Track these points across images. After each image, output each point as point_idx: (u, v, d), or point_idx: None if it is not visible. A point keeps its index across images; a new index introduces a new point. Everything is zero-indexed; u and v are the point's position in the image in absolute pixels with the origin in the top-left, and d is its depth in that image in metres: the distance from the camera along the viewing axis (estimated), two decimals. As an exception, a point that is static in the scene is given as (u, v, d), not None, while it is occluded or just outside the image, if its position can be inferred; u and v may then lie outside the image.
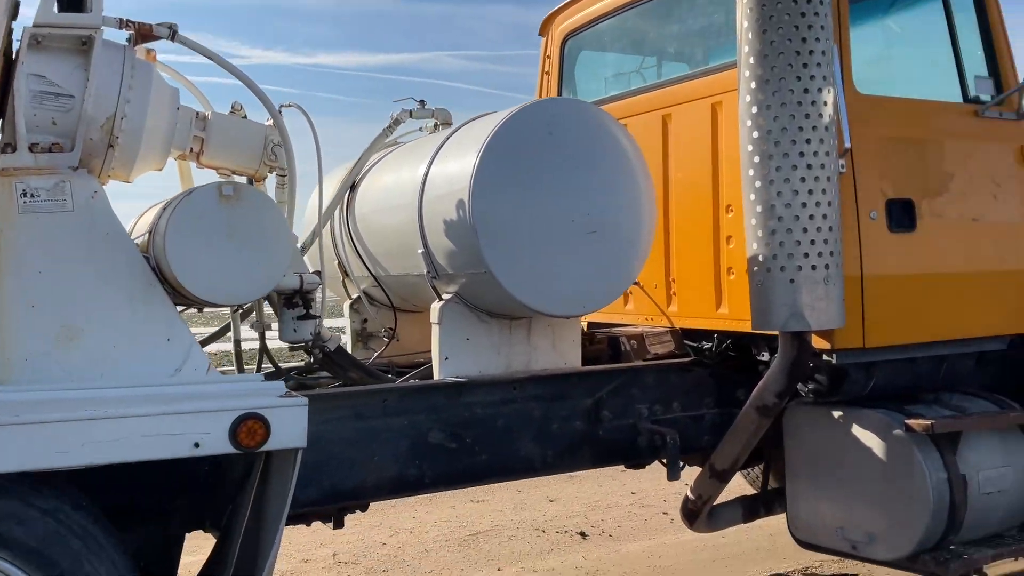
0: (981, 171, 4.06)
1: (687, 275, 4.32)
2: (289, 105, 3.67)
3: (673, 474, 3.80)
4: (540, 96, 5.42)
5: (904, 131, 3.90)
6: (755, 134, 3.45)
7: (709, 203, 4.15)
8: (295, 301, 3.40)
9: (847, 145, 3.62)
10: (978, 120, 4.13)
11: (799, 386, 3.98)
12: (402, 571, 5.55)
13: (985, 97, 4.17)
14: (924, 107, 4.01)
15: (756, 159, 3.45)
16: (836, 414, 3.94)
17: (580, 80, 5.43)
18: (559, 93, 5.31)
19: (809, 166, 3.38)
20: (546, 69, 5.43)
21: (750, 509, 4.41)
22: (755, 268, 3.49)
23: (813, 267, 3.39)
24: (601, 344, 4.26)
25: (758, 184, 3.45)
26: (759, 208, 3.45)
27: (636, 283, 4.56)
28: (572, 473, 6.02)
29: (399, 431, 3.39)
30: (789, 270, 3.40)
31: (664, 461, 3.93)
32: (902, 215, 3.80)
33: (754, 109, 3.44)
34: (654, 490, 7.20)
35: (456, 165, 3.35)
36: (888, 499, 3.75)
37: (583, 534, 6.18)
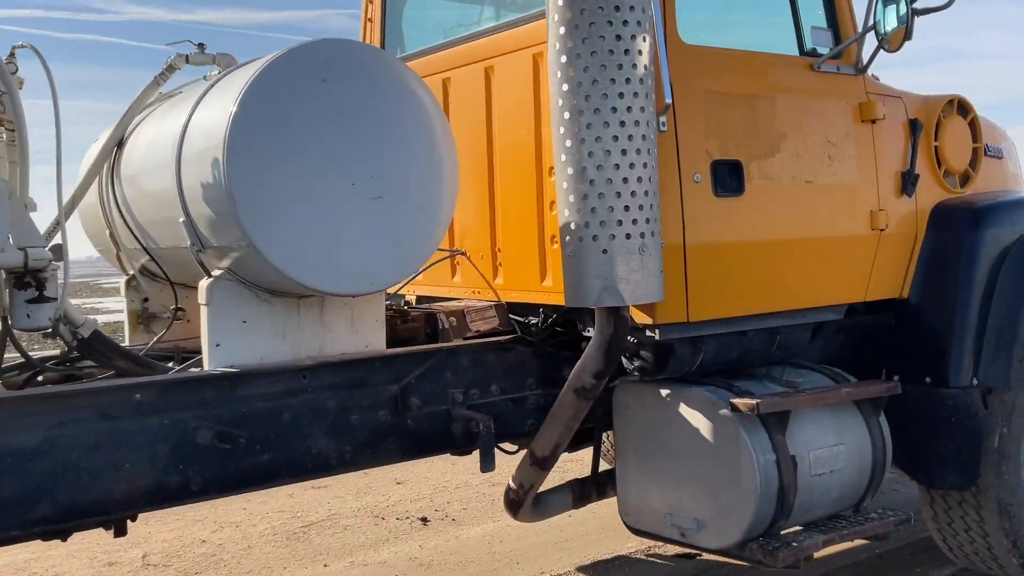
0: (816, 130, 3.81)
1: (512, 245, 3.94)
2: (23, 46, 3.08)
3: (487, 464, 3.44)
4: (363, 48, 4.91)
5: (733, 86, 3.59)
6: (564, 86, 3.07)
7: (532, 165, 3.77)
8: (26, 281, 2.86)
9: (668, 101, 3.28)
10: (814, 75, 3.86)
11: (625, 363, 3.67)
12: (218, 572, 5.06)
13: (822, 50, 3.91)
14: (756, 60, 3.72)
15: (566, 115, 3.07)
16: (663, 392, 3.65)
17: (407, 28, 4.95)
18: (382, 44, 4.82)
19: (623, 123, 3.02)
20: (368, 15, 4.92)
21: (581, 494, 4.11)
22: (567, 237, 3.13)
23: (628, 236, 3.05)
24: (416, 322, 3.84)
25: (568, 143, 3.08)
26: (570, 170, 3.08)
27: (462, 253, 4.17)
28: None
29: (158, 432, 2.90)
30: (602, 239, 3.05)
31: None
32: (729, 178, 3.50)
33: (563, 58, 3.06)
34: (509, 468, 6.89)
35: (213, 118, 2.84)
36: (714, 483, 3.49)
37: (425, 520, 5.81)
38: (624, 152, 3.03)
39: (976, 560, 4.35)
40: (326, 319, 3.28)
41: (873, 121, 3.98)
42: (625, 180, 3.03)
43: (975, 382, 4.01)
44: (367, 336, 3.36)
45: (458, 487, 6.53)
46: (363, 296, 3.27)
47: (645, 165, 3.07)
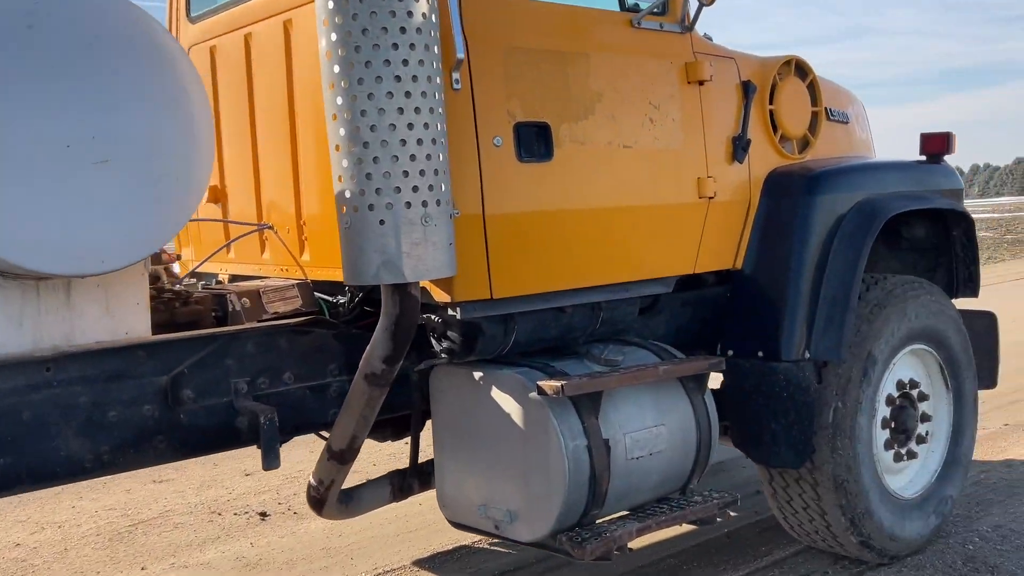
0: (637, 91, 3.55)
1: (317, 217, 3.59)
2: None
3: (269, 462, 3.10)
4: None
5: (541, 41, 3.30)
6: (332, 36, 2.73)
7: (333, 129, 3.42)
8: None
9: (460, 55, 2.98)
10: (635, 32, 3.60)
11: (434, 345, 3.38)
12: (21, 582, 4.62)
13: (644, 5, 3.66)
14: (567, 13, 3.43)
15: (336, 68, 2.74)
16: (476, 375, 3.37)
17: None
18: None
19: (398, 78, 2.71)
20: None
21: (401, 486, 3.81)
22: (343, 208, 2.80)
23: (408, 204, 2.74)
24: (201, 304, 3.48)
25: (340, 101, 2.75)
26: (342, 131, 2.75)
27: (268, 227, 3.80)
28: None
29: None
30: (379, 209, 2.74)
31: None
32: (536, 142, 3.22)
33: (330, 4, 2.72)
34: (368, 453, 6.57)
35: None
36: (525, 472, 3.24)
37: (264, 514, 5.44)
38: (401, 111, 2.71)
39: (817, 539, 4.23)
40: (75, 303, 2.88)
41: (701, 83, 3.75)
42: (403, 142, 2.72)
43: (807, 355, 3.85)
44: (126, 321, 2.98)
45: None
46: (119, 275, 2.89)
47: (427, 126, 2.76)
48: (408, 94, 2.71)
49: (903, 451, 4.31)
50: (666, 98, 3.63)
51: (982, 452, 6.03)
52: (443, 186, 2.82)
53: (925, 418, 4.41)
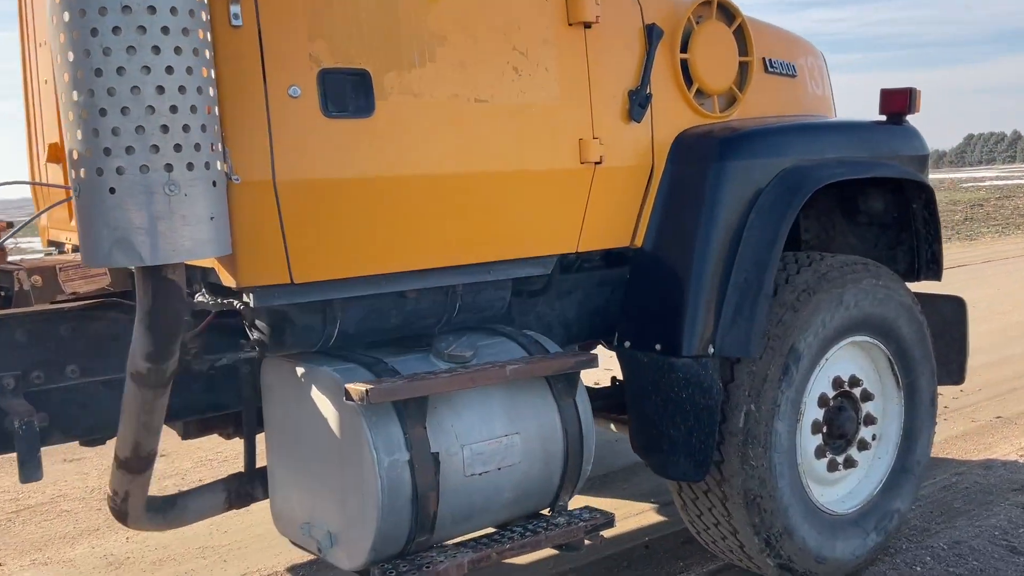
0: (496, 34, 2.95)
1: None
2: None
3: (28, 473, 2.62)
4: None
5: (362, -30, 2.72)
6: (49, -47, 2.19)
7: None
8: None
9: (234, -17, 2.42)
10: (499, -39, 3.01)
11: (253, 335, 2.87)
12: None
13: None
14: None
15: (55, -6, 2.20)
16: (299, 371, 2.86)
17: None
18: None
19: (126, 8, 2.15)
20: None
21: (239, 492, 3.32)
22: (72, 172, 2.27)
23: (144, 168, 2.20)
24: (-20, 283, 2.99)
25: (62, 38, 2.20)
26: (65, 75, 2.21)
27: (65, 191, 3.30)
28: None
29: None
30: (108, 174, 2.20)
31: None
32: (350, 93, 2.64)
33: (45, -85, 2.17)
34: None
35: None
36: (343, 489, 2.74)
37: (156, 503, 5.00)
38: (132, 50, 2.16)
39: (733, 557, 3.68)
40: None
41: (586, 25, 3.15)
42: (136, 90, 2.17)
43: (711, 350, 3.27)
44: None
45: (225, 460, 5.73)
46: None
47: (171, 70, 2.20)
48: (142, 29, 2.16)
49: (840, 459, 3.73)
50: (537, 43, 3.03)
51: (962, 450, 5.41)
52: (201, 146, 2.27)
53: (869, 421, 3.81)
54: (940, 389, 4.15)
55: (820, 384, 3.61)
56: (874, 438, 3.89)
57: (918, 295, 4.30)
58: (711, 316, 3.28)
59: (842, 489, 3.82)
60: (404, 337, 3.07)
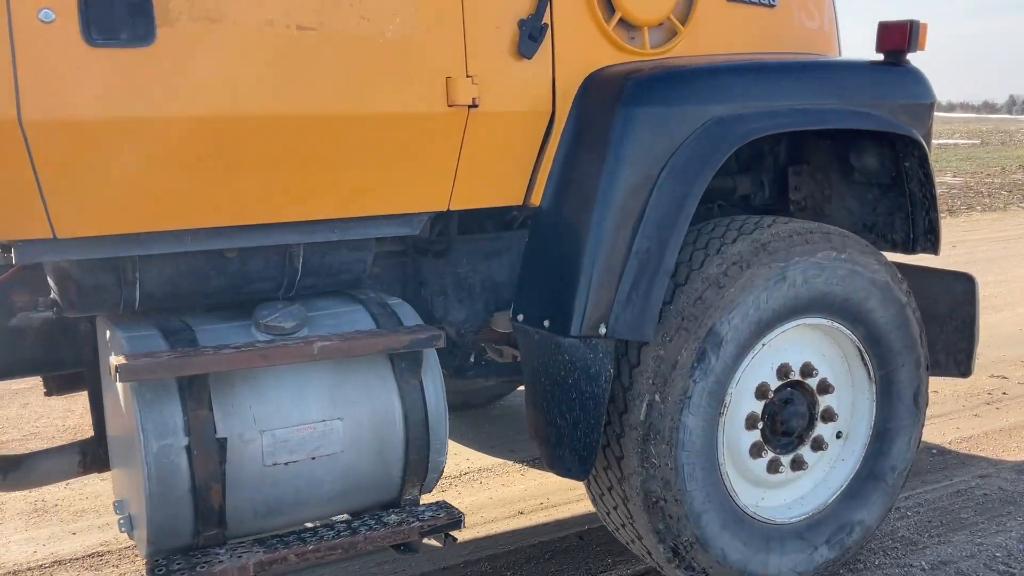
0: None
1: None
2: None
3: None
4: None
5: None
6: None
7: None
8: None
9: None
10: None
11: (53, 296, 2.60)
12: None
13: None
14: None
15: None
16: (107, 333, 2.58)
17: None
18: None
19: None
20: None
21: (94, 457, 3.10)
22: None
23: None
24: None
25: None
26: None
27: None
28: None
29: None
30: None
31: None
32: (121, 16, 2.25)
33: None
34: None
35: None
36: (134, 470, 2.45)
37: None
38: None
39: (649, 562, 3.23)
40: None
41: (459, -67, 2.65)
42: None
43: (603, 330, 2.80)
44: None
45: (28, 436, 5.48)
46: None
47: None
48: None
49: (785, 460, 3.19)
50: (390, -39, 2.57)
51: (1000, 447, 4.70)
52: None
53: (829, 416, 3.25)
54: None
55: (758, 373, 3.07)
56: (839, 436, 3.33)
57: (920, 271, 3.67)
58: (606, 291, 2.79)
59: (789, 494, 3.29)
60: (260, 301, 2.73)
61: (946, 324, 3.63)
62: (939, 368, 3.72)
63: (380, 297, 2.81)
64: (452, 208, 2.81)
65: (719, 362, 2.90)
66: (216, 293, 2.64)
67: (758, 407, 3.10)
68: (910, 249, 3.51)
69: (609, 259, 2.78)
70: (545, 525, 3.89)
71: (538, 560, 3.60)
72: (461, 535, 3.79)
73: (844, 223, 3.65)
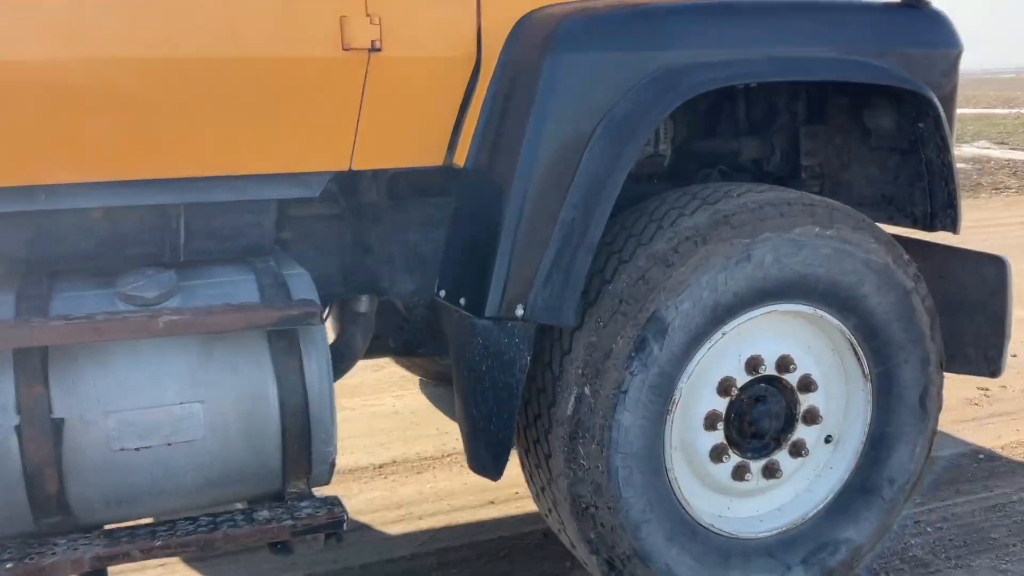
0: None
1: None
2: None
3: None
4: None
5: None
6: None
7: None
8: None
9: None
10: None
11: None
12: None
13: None
14: None
15: None
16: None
17: None
18: None
19: None
20: None
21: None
22: None
23: None
24: None
25: None
26: None
27: None
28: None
29: None
30: None
31: None
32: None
33: None
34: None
35: None
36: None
37: None
38: None
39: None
40: None
41: None
42: None
43: (521, 312, 2.43)
44: None
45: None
46: None
47: None
48: None
49: (755, 466, 2.77)
50: None
51: (1059, 456, 4.10)
52: None
53: (812, 418, 2.80)
54: None
55: (720, 366, 2.65)
56: (828, 441, 2.89)
57: (948, 251, 3.15)
58: (527, 267, 2.42)
59: (763, 504, 2.87)
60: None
61: (976, 314, 3.11)
62: (967, 365, 3.19)
63: (277, 267, 2.52)
64: (355, 168, 2.48)
65: (663, 352, 2.50)
66: (86, 258, 2.41)
67: (721, 405, 2.68)
68: (928, 225, 3.00)
69: (532, 230, 2.41)
70: (513, 518, 3.57)
71: (491, 557, 3.30)
72: (419, 524, 3.54)
73: (863, 193, 3.17)
